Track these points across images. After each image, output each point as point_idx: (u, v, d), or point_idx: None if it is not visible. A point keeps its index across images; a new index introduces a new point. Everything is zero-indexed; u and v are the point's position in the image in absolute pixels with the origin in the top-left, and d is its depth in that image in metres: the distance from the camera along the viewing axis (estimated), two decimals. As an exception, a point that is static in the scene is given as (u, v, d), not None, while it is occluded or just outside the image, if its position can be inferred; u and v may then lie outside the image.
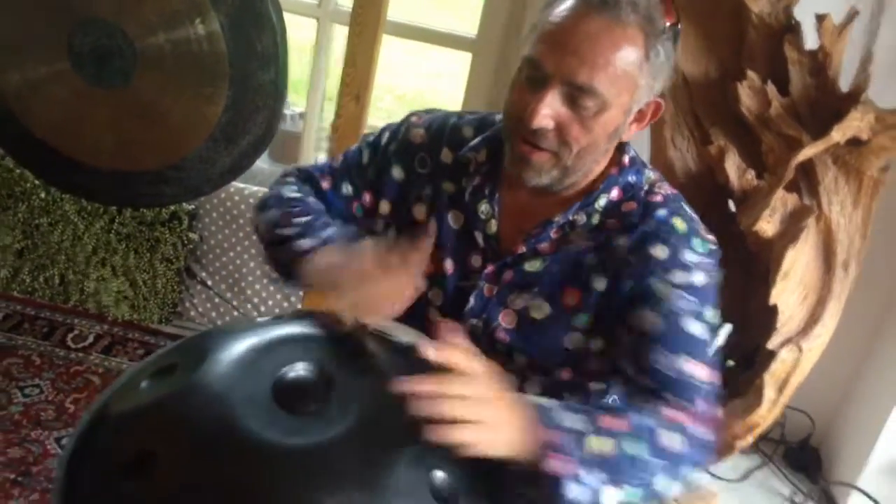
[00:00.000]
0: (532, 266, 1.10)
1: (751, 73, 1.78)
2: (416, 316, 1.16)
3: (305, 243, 1.09)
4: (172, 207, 2.50)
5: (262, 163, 2.81)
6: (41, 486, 1.94)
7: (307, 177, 1.26)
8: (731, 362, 1.99)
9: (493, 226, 1.12)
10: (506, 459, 0.84)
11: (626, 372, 1.03)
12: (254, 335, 0.99)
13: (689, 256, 1.04)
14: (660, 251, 1.04)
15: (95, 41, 1.85)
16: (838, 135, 1.72)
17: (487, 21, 2.47)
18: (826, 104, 1.78)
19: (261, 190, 2.60)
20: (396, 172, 1.20)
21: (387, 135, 1.23)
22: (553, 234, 1.09)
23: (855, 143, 1.78)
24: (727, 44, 1.85)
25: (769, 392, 1.75)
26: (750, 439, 1.86)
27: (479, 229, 1.13)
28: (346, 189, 1.23)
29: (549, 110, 0.98)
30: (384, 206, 1.21)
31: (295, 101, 3.28)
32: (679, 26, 1.02)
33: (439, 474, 0.83)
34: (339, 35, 2.58)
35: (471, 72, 2.56)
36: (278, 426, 0.83)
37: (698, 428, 0.96)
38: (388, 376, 0.94)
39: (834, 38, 1.75)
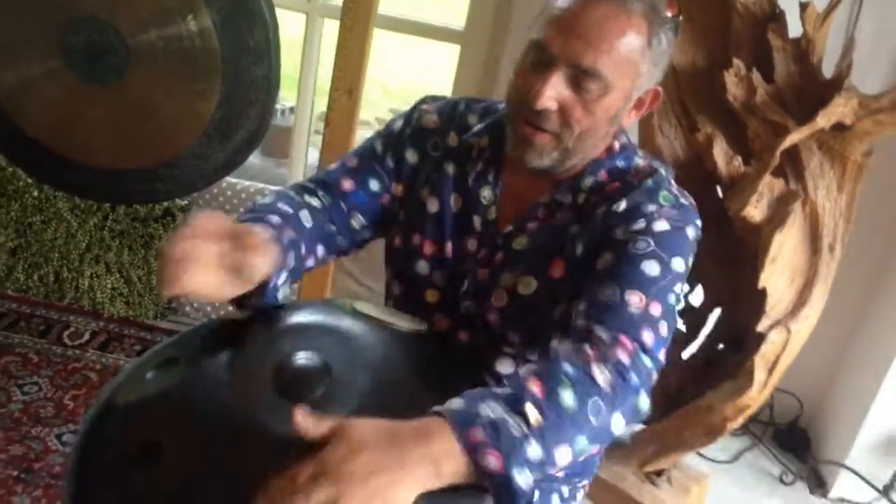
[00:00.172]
0: (519, 243, 1.12)
1: (736, 62, 1.81)
2: (415, 297, 1.20)
3: None
4: (166, 204, 2.51)
5: (253, 157, 2.81)
6: (44, 482, 1.95)
7: (321, 185, 1.21)
8: (720, 346, 2.03)
9: (493, 212, 1.15)
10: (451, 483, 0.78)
11: (575, 315, 0.99)
12: (254, 324, 1.00)
13: (650, 207, 1.06)
14: (623, 204, 1.07)
15: (88, 39, 1.86)
16: (823, 120, 1.75)
17: (475, 13, 2.49)
18: (810, 91, 1.81)
19: (253, 185, 2.62)
20: (410, 156, 1.21)
21: (399, 122, 1.24)
22: (540, 214, 1.12)
23: (839, 128, 1.81)
24: (713, 33, 1.87)
25: (759, 374, 1.79)
26: (740, 421, 1.89)
27: (479, 214, 1.15)
28: (374, 185, 1.21)
29: (554, 91, 1.01)
30: (397, 189, 1.22)
31: (284, 96, 3.29)
32: (680, 18, 1.05)
33: None
34: (328, 29, 2.60)
35: (459, 64, 2.58)
36: (280, 415, 0.84)
37: (619, 356, 0.91)
38: (386, 363, 0.97)
39: (817, 25, 1.78)
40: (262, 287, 0.97)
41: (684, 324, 2.06)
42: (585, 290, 1.00)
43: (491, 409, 0.81)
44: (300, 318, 1.04)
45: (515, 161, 1.11)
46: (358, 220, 1.21)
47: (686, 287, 1.28)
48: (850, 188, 1.87)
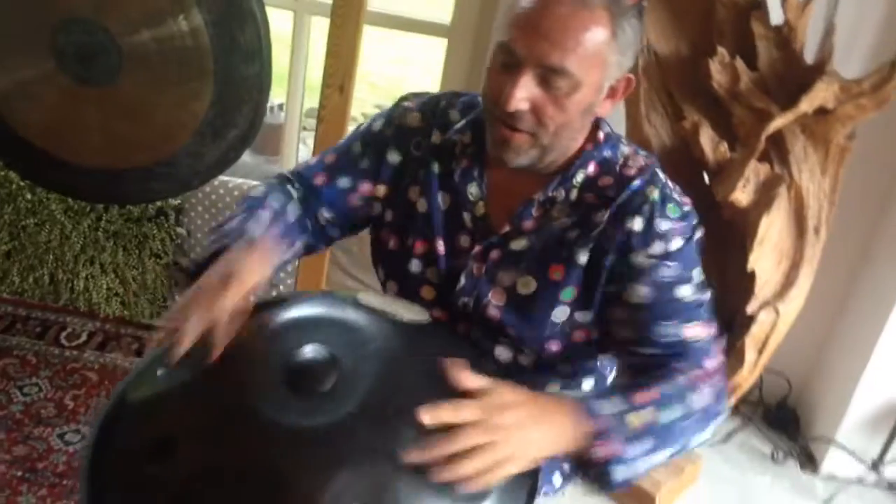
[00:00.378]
0: (517, 244, 1.13)
1: (720, 50, 1.84)
2: (411, 295, 1.21)
3: (226, 241, 1.08)
4: (159, 203, 2.52)
5: (244, 155, 2.82)
6: (48, 481, 1.97)
7: (297, 177, 1.26)
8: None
9: (482, 207, 1.16)
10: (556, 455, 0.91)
11: (630, 344, 1.10)
12: (260, 318, 1.03)
13: (663, 225, 1.08)
14: (636, 223, 1.08)
15: (80, 40, 1.87)
16: (806, 105, 1.80)
17: (462, 7, 2.51)
18: (793, 76, 1.85)
19: (246, 182, 2.64)
20: (392, 157, 1.22)
21: (380, 122, 1.25)
22: (535, 211, 1.13)
23: (822, 112, 1.85)
24: (697, 22, 1.91)
25: (750, 354, 1.83)
26: (732, 401, 1.94)
27: (468, 210, 1.17)
28: (344, 182, 1.24)
29: (524, 93, 1.02)
30: (380, 190, 1.23)
31: (273, 93, 3.30)
32: (644, 3, 1.08)
33: None
34: (315, 26, 2.61)
35: (446, 57, 2.61)
36: (291, 407, 0.87)
37: (713, 382, 1.05)
38: (391, 354, 0.99)
39: (798, 12, 1.82)
40: None
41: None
42: (636, 325, 1.09)
43: (613, 406, 0.95)
44: (306, 310, 1.07)
45: (497, 158, 1.13)
46: (323, 217, 1.24)
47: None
48: (833, 171, 1.92)
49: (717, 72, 1.85)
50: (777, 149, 1.90)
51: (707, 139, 1.87)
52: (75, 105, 1.94)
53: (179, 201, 2.59)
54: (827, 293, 2.27)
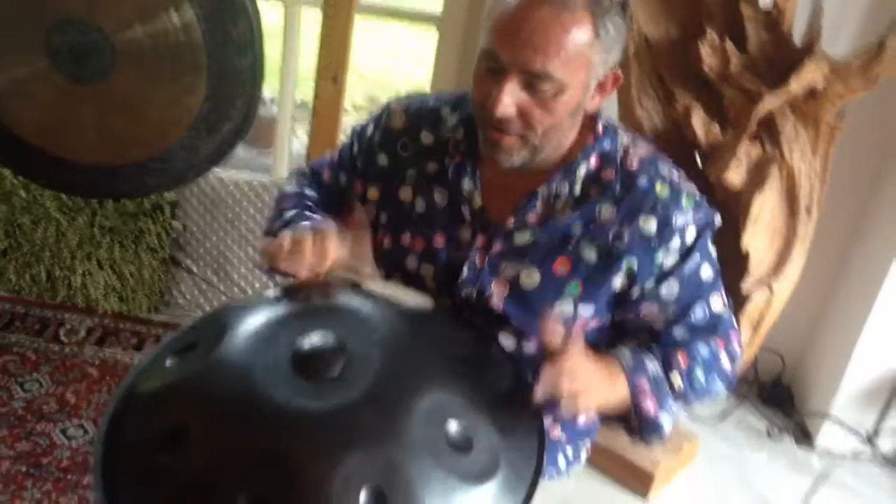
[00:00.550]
0: (522, 238, 1.15)
1: (710, 33, 1.86)
2: (415, 288, 1.23)
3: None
4: (154, 198, 2.53)
5: (238, 148, 2.83)
6: (53, 476, 1.99)
7: (312, 173, 1.38)
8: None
9: (478, 200, 1.18)
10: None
11: (662, 331, 1.18)
12: (267, 308, 1.05)
13: (679, 220, 1.11)
14: (651, 224, 1.10)
15: (73, 39, 1.87)
16: (795, 86, 1.81)
17: (452, -4, 2.52)
18: (782, 57, 1.87)
19: (240, 176, 2.65)
20: (381, 159, 1.26)
21: (371, 126, 1.29)
22: (539, 205, 1.15)
23: (811, 93, 1.87)
24: (686, 6, 1.92)
25: (746, 332, 1.86)
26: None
27: (465, 203, 1.19)
28: (343, 180, 1.32)
29: (510, 98, 1.03)
30: (373, 193, 1.27)
31: (264, 86, 3.30)
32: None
33: (453, 424, 0.91)
34: (305, 18, 2.61)
35: (438, 47, 2.61)
36: (301, 393, 0.89)
37: (734, 347, 1.20)
38: (397, 340, 1.01)
39: (786, -6, 1.84)
40: None
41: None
42: (669, 316, 1.16)
43: (653, 366, 1.11)
44: (311, 298, 1.09)
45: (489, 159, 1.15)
46: (330, 209, 1.32)
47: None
48: (823, 150, 1.94)
49: (707, 55, 1.87)
50: (768, 130, 1.92)
51: (699, 122, 1.89)
52: (70, 103, 1.94)
53: (174, 195, 2.59)
54: (819, 271, 2.30)
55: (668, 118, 1.98)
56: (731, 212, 1.91)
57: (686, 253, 1.13)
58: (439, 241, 1.21)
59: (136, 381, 1.02)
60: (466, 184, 1.18)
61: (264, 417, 0.88)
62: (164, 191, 2.44)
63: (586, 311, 1.15)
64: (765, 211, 1.87)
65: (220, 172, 2.59)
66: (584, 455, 1.38)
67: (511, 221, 1.16)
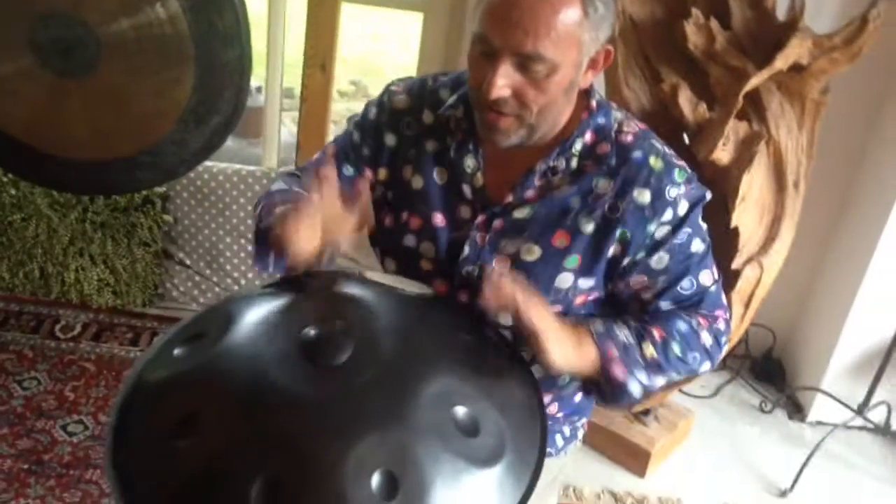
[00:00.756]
0: (521, 213, 1.17)
1: (695, 11, 1.87)
2: (410, 268, 1.24)
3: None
4: (145, 192, 2.53)
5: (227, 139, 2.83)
6: (55, 472, 2.00)
7: (304, 171, 1.32)
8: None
9: (480, 178, 1.19)
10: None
11: (651, 301, 1.19)
12: (272, 298, 1.05)
13: (671, 192, 1.13)
14: (646, 195, 1.13)
15: (57, 33, 1.87)
16: (781, 62, 1.83)
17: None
18: (767, 35, 1.88)
19: (229, 167, 2.65)
20: (389, 140, 1.26)
21: (374, 109, 1.28)
22: (537, 181, 1.17)
23: (796, 69, 1.88)
24: (670, -15, 1.93)
25: (736, 309, 1.88)
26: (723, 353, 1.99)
27: (466, 182, 1.20)
28: (348, 170, 1.28)
29: (504, 80, 1.05)
30: (382, 173, 1.27)
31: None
32: None
33: (460, 409, 0.92)
34: (289, 5, 2.60)
35: (423, 31, 2.61)
36: (309, 379, 0.90)
37: (719, 326, 1.20)
38: (401, 326, 1.02)
39: (769, -29, 1.85)
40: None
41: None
42: (657, 287, 1.18)
43: (624, 335, 1.12)
44: (316, 287, 1.10)
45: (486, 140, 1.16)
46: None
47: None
48: (809, 126, 1.96)
49: (693, 33, 1.88)
50: (754, 106, 1.93)
51: (686, 100, 1.90)
52: (57, 98, 1.94)
53: (165, 189, 2.59)
54: (807, 246, 2.32)
55: (655, 98, 1.99)
56: (719, 189, 1.92)
57: (677, 225, 1.14)
58: (438, 219, 1.22)
59: (144, 371, 1.03)
60: (469, 161, 1.19)
61: (274, 403, 0.89)
62: (155, 185, 2.45)
63: (586, 283, 1.17)
64: (753, 188, 1.89)
65: (210, 164, 2.58)
66: (580, 433, 1.40)
67: (510, 198, 1.17)
